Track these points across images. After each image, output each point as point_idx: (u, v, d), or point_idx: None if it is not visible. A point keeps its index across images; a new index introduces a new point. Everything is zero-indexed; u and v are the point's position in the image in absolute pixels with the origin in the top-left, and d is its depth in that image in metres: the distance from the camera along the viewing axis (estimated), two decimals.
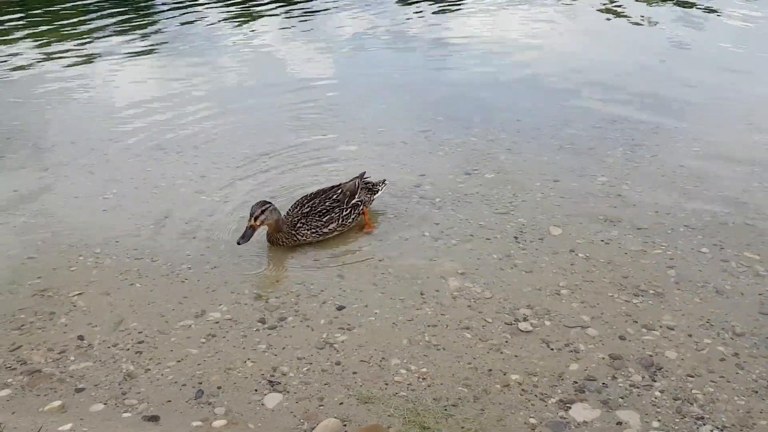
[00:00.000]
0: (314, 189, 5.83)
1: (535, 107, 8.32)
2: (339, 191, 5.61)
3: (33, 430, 3.52)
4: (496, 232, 5.48)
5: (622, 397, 3.75)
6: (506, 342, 4.21)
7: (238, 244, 5.12)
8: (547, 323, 4.37)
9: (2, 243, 5.56)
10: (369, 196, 5.79)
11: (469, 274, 4.93)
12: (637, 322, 4.37)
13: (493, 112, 8.22)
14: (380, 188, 5.90)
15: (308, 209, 5.46)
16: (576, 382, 3.86)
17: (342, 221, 5.51)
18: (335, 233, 5.51)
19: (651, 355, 4.07)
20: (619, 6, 14.38)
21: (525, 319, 4.41)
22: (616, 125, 7.58)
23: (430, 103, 8.69)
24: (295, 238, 5.37)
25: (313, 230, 5.41)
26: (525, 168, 6.60)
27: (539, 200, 5.95)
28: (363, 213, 5.68)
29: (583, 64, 10.08)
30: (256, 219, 5.13)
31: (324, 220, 5.43)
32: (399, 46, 11.88)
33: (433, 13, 14.53)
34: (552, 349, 4.13)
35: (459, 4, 15.07)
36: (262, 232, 5.36)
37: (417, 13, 14.78)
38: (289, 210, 5.55)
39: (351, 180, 5.80)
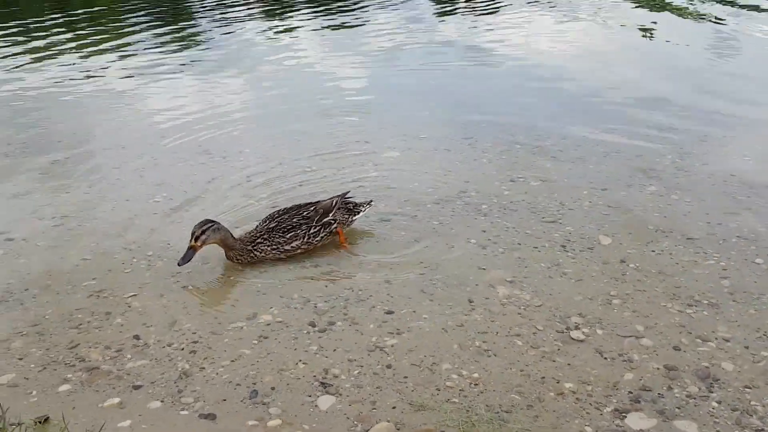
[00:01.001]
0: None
1: (579, 115, 8.27)
2: (312, 208, 5.48)
3: (94, 426, 3.60)
4: (544, 240, 5.45)
5: (678, 408, 3.70)
6: (558, 350, 4.18)
7: (179, 265, 4.99)
8: (600, 332, 4.33)
9: (58, 245, 5.71)
10: (347, 216, 5.63)
11: (518, 282, 4.91)
12: (691, 333, 4.31)
13: (536, 119, 8.19)
14: (363, 209, 5.73)
15: (275, 224, 5.34)
16: (631, 392, 3.82)
17: (308, 239, 5.36)
18: (298, 251, 5.38)
19: (707, 366, 4.00)
20: (657, 16, 14.25)
21: (577, 328, 4.37)
22: (663, 134, 7.50)
23: (471, 110, 8.70)
24: (251, 255, 5.26)
25: (274, 246, 5.27)
26: (571, 176, 6.56)
27: (587, 209, 5.91)
28: (337, 232, 5.53)
29: (625, 74, 10.02)
30: (196, 239, 4.99)
31: (287, 237, 5.30)
32: (435, 55, 11.94)
33: (468, 22, 14.58)
34: (605, 358, 4.09)
35: (494, 14, 15.08)
36: (210, 251, 5.28)
37: (452, 22, 14.85)
38: (259, 224, 5.45)
39: (330, 198, 5.66)
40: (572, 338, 4.28)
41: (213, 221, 5.15)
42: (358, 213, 5.73)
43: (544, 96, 9.14)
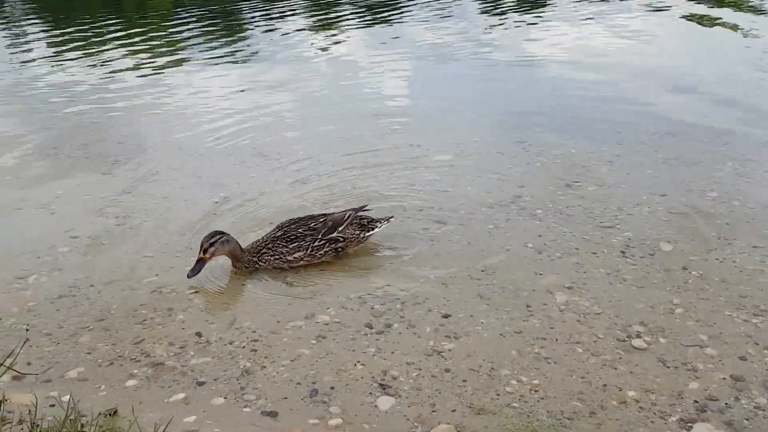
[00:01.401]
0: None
1: (635, 120, 8.13)
2: (322, 220, 5.36)
3: (161, 420, 3.70)
4: (602, 246, 5.38)
5: (747, 419, 3.61)
6: (620, 358, 4.12)
7: (188, 277, 4.99)
8: (662, 341, 4.25)
9: (121, 242, 5.88)
10: (357, 233, 5.43)
11: (577, 288, 4.86)
12: (758, 343, 4.19)
13: (590, 123, 8.10)
14: (379, 226, 5.50)
15: (281, 233, 5.27)
16: (696, 402, 3.74)
17: (311, 252, 5.26)
18: (301, 263, 5.29)
19: None
20: (712, 16, 13.90)
21: (638, 336, 4.30)
22: (723, 139, 7.32)
23: (523, 114, 8.66)
24: (257, 265, 5.25)
25: (277, 256, 5.22)
26: (629, 182, 6.45)
27: (646, 215, 5.80)
28: (343, 249, 5.40)
29: (681, 77, 9.84)
30: (205, 252, 4.99)
31: (290, 247, 5.21)
32: (482, 56, 11.93)
33: (516, 29, 14.46)
34: (669, 367, 4.01)
35: (543, 22, 14.93)
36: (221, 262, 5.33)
37: (499, 23, 14.78)
38: (269, 232, 5.40)
39: (343, 211, 5.51)
40: (634, 347, 4.21)
41: (222, 233, 5.13)
42: (373, 229, 5.50)
43: (596, 101, 9.01)
